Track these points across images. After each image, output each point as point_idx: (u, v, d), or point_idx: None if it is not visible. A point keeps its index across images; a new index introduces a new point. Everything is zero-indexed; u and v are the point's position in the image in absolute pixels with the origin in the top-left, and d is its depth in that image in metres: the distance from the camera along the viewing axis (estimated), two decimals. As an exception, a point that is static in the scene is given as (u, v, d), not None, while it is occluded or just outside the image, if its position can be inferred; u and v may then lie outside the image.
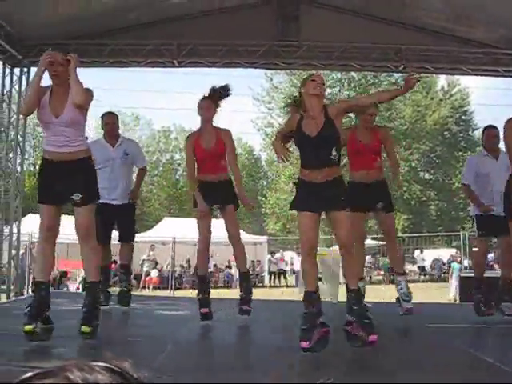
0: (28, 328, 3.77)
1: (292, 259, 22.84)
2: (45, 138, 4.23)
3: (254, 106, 32.26)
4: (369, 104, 4.61)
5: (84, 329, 3.94)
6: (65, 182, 4.06)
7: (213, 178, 5.29)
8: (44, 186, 4.23)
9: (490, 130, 6.06)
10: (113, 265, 8.12)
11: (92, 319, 4.06)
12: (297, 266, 21.26)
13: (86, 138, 4.43)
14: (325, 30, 7.83)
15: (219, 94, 5.38)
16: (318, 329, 3.82)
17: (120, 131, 6.55)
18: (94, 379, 0.64)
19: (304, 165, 4.07)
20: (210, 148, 5.27)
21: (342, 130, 5.26)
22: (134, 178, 6.65)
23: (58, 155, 4.06)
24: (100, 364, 0.67)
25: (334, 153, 3.96)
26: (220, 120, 5.61)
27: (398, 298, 5.70)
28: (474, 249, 22.21)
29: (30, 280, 14.69)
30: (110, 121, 6.15)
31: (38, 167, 4.63)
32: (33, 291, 4.13)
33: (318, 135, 3.96)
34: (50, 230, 4.14)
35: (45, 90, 4.10)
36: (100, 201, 5.59)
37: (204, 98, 5.38)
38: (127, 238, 6.27)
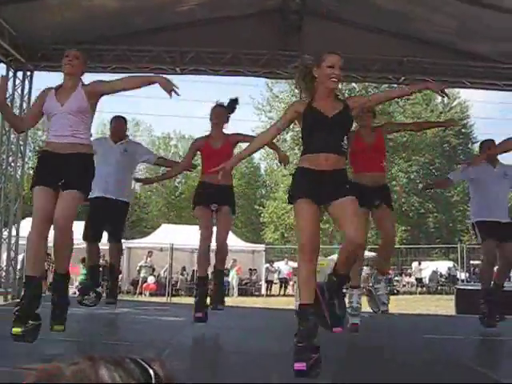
0: (16, 331, 3.63)
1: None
2: (50, 132, 4.12)
3: (254, 115, 32.32)
4: (379, 101, 4.32)
5: (57, 327, 3.72)
6: (58, 169, 3.92)
7: (215, 179, 5.34)
8: (38, 173, 4.08)
9: (486, 142, 6.26)
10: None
11: (63, 316, 3.83)
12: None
13: (91, 134, 4.34)
14: (327, 41, 7.84)
15: (233, 106, 5.61)
16: (314, 350, 3.33)
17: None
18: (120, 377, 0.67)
19: (310, 149, 3.63)
20: (217, 148, 5.42)
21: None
22: (132, 179, 6.60)
23: (58, 145, 3.97)
24: (130, 358, 0.69)
25: (345, 141, 3.62)
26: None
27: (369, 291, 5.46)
28: (472, 261, 22.31)
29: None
30: (116, 124, 6.21)
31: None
32: (24, 287, 3.89)
33: (334, 116, 3.58)
34: (44, 219, 3.87)
35: (47, 92, 4.14)
36: (93, 195, 5.23)
37: (218, 105, 5.59)
38: (116, 238, 6.12)
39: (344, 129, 3.67)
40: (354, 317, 5.12)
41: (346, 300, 5.10)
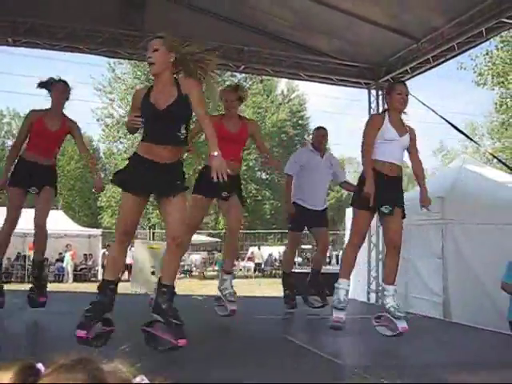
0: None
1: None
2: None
3: (94, 96, 31.27)
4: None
5: None
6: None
7: (40, 159, 5.08)
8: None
9: (320, 130, 6.56)
10: None
11: None
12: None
13: None
14: (170, 24, 7.76)
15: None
16: (101, 323, 3.51)
17: None
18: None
19: (146, 138, 3.63)
20: (52, 129, 5.11)
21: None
22: None
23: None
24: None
25: (183, 131, 3.57)
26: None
27: (218, 298, 5.53)
28: (303, 246, 23.46)
29: None
30: None
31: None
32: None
33: (166, 109, 3.54)
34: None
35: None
36: None
37: (60, 80, 5.25)
38: None
39: (179, 119, 3.59)
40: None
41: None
